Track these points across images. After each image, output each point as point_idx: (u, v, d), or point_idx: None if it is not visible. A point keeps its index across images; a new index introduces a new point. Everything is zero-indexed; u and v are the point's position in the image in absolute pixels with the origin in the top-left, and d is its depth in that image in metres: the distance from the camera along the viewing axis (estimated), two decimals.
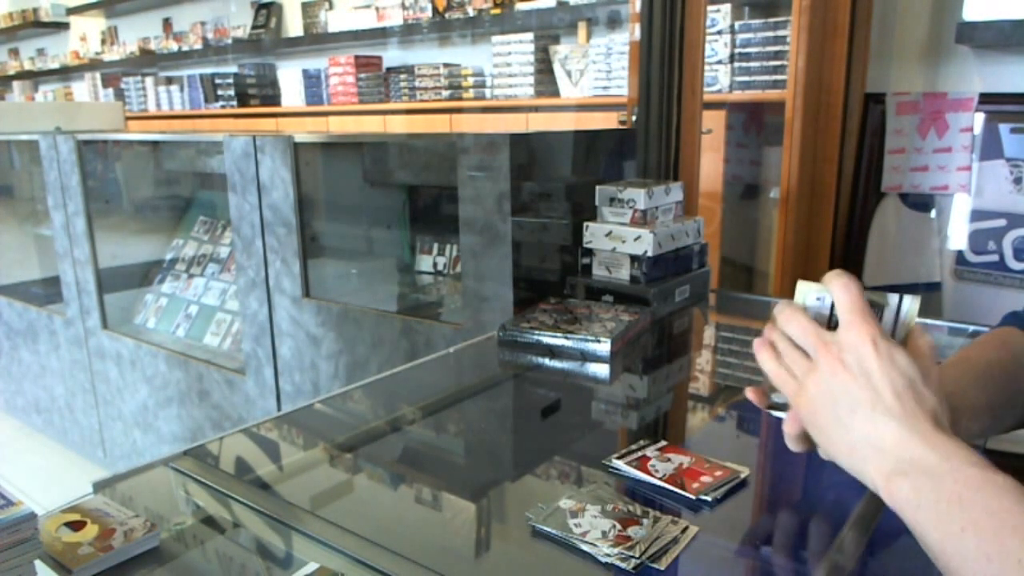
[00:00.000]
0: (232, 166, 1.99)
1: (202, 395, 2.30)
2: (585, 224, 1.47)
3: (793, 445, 0.63)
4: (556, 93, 3.47)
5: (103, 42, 6.27)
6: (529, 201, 1.50)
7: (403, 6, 3.94)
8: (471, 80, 3.75)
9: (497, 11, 3.57)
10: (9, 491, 0.61)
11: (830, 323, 0.61)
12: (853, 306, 0.57)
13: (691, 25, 1.62)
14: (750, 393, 0.68)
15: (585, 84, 3.32)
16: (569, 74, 3.41)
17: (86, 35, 6.44)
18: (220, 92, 4.88)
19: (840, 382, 0.56)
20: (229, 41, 4.99)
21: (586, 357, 1.18)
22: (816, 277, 0.62)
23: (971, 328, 1.30)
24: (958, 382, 0.71)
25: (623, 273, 1.43)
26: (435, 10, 3.83)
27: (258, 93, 4.79)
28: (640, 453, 0.83)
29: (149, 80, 5.53)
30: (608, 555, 0.64)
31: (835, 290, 0.59)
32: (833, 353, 0.57)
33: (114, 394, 2.65)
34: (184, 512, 0.78)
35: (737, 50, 2.61)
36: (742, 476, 0.78)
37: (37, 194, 3.02)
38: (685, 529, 0.68)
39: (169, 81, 5.45)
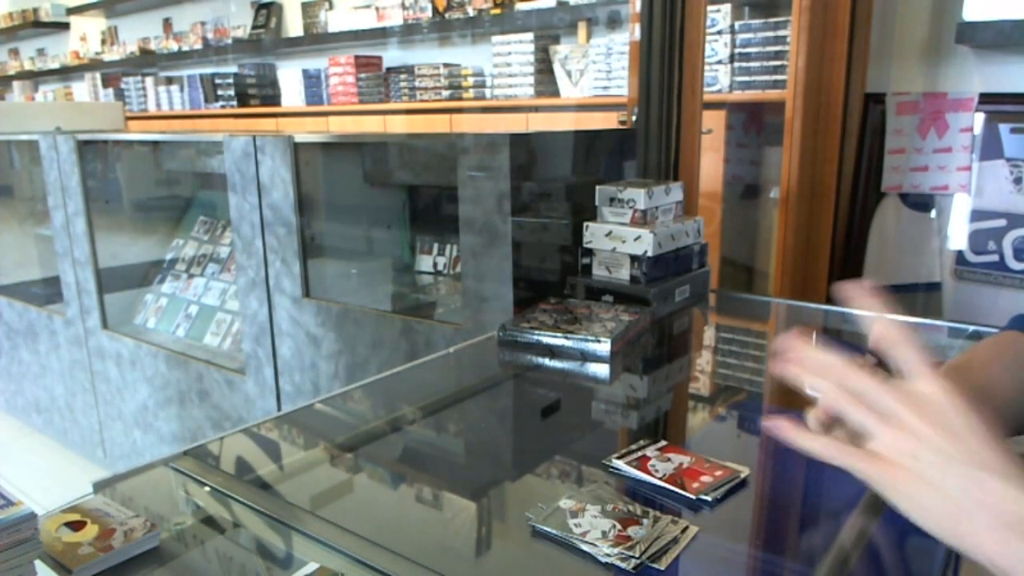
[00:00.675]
0: (232, 166, 1.99)
1: (202, 395, 2.30)
2: (585, 224, 1.47)
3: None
4: (556, 93, 3.47)
5: (103, 42, 6.27)
6: (529, 201, 1.50)
7: (403, 6, 3.94)
8: (471, 80, 3.75)
9: (497, 11, 3.57)
10: (9, 491, 0.61)
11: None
12: (921, 359, 0.53)
13: (691, 25, 1.62)
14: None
15: (585, 84, 3.32)
16: (569, 74, 3.41)
17: (86, 35, 6.44)
18: (220, 92, 4.88)
19: (927, 439, 0.50)
20: (229, 41, 4.99)
21: (586, 357, 1.18)
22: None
23: (971, 328, 1.30)
24: (962, 388, 0.70)
25: (623, 273, 1.43)
26: (435, 10, 3.83)
27: (258, 93, 4.79)
28: (640, 453, 0.83)
29: (149, 80, 5.53)
30: (608, 555, 0.64)
31: (894, 344, 0.54)
32: (913, 408, 0.51)
33: (114, 394, 2.65)
34: (184, 512, 0.78)
35: (737, 50, 2.61)
36: (742, 476, 0.78)
37: (37, 194, 3.02)
38: (685, 529, 0.68)
39: (169, 81, 5.45)
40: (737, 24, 2.61)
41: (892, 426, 0.51)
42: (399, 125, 3.99)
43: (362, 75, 4.19)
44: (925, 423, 0.50)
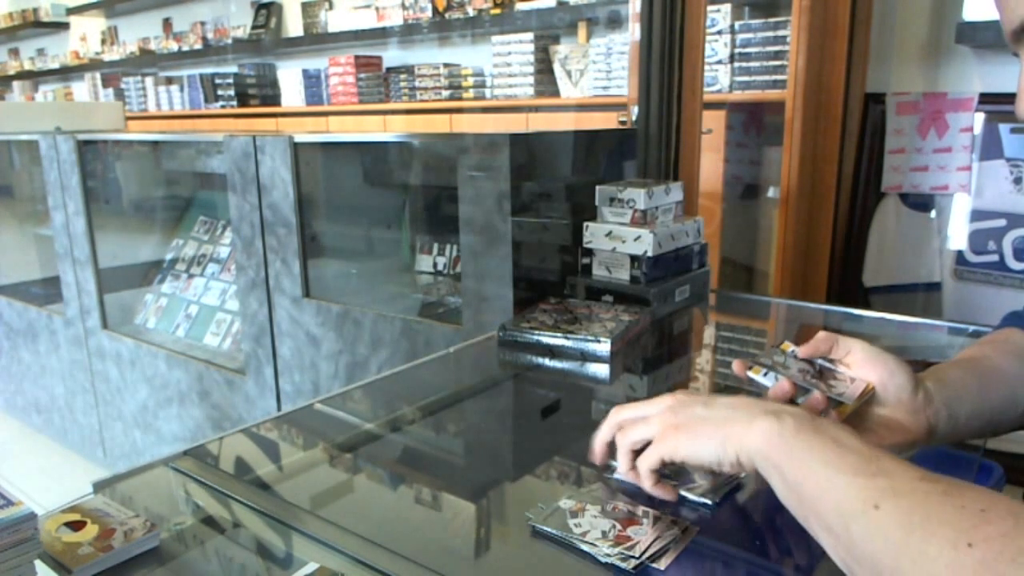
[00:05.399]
0: (232, 166, 1.99)
1: (202, 395, 2.30)
2: (585, 224, 1.47)
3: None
4: (556, 93, 3.47)
5: (103, 42, 6.27)
6: (529, 201, 1.50)
7: (403, 6, 3.94)
8: (471, 80, 3.75)
9: (497, 11, 3.57)
10: (9, 491, 0.61)
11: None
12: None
13: (691, 25, 1.62)
14: (736, 365, 0.76)
15: (585, 84, 3.33)
16: (569, 74, 3.41)
17: (86, 35, 6.45)
18: (220, 92, 4.88)
19: (680, 403, 0.65)
20: (229, 41, 5.00)
21: (586, 357, 1.18)
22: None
23: (971, 328, 1.30)
24: (959, 382, 0.71)
25: (623, 273, 1.43)
26: (435, 10, 3.83)
27: (258, 93, 4.79)
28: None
29: (149, 80, 5.53)
30: (608, 555, 0.64)
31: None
32: (660, 400, 0.67)
33: (114, 394, 2.65)
34: (184, 512, 0.78)
35: (737, 50, 2.61)
36: (742, 476, 0.78)
37: (37, 194, 3.02)
38: (685, 529, 0.68)
39: (169, 81, 5.45)
40: (737, 24, 2.61)
41: (656, 416, 0.66)
42: (399, 125, 3.99)
43: (362, 75, 4.19)
44: (673, 398, 0.66)
